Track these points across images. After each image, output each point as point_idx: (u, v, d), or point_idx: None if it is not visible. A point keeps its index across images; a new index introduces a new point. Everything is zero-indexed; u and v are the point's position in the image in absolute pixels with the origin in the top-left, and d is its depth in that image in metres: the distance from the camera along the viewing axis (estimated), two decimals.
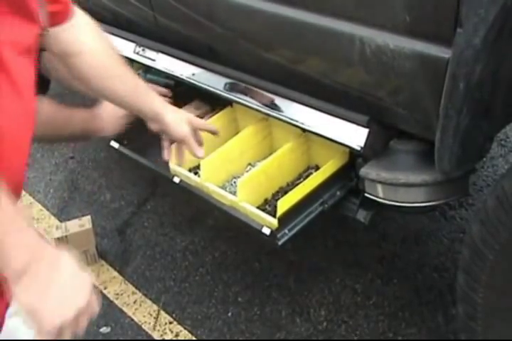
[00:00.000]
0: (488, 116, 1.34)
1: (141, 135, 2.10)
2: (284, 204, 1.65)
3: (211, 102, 2.18)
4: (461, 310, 1.55)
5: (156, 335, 2.17)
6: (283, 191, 1.84)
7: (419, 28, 1.30)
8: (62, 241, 2.37)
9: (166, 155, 1.73)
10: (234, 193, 1.78)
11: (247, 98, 1.87)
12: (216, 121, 2.05)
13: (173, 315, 2.23)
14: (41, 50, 1.21)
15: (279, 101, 1.80)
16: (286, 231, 1.66)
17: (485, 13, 1.11)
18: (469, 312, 1.51)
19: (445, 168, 1.42)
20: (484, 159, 2.61)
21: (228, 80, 1.94)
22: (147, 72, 2.52)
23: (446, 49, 1.24)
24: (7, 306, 1.09)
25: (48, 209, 2.82)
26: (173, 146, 1.72)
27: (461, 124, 1.29)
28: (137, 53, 2.25)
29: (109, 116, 1.85)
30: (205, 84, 2.00)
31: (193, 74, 2.05)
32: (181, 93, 2.26)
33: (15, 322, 1.08)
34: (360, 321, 2.12)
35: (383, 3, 1.33)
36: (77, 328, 0.94)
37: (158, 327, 2.19)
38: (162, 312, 2.25)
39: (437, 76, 1.29)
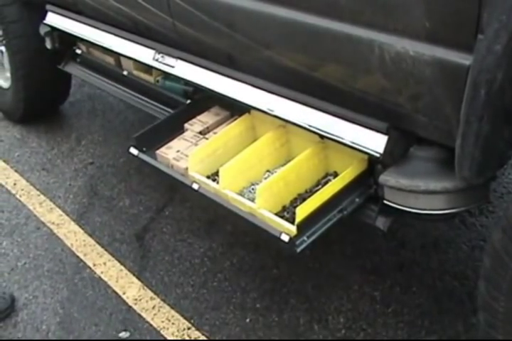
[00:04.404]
0: (509, 123, 1.32)
1: (160, 141, 2.13)
2: (302, 211, 1.64)
3: (230, 108, 2.18)
4: (482, 318, 1.53)
5: None
6: (301, 198, 1.84)
7: (439, 35, 1.29)
8: None
9: None
10: (252, 200, 1.78)
11: (266, 105, 1.87)
12: (234, 128, 2.05)
13: (191, 321, 2.23)
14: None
15: (297, 107, 1.80)
16: (304, 238, 1.66)
17: (507, 19, 1.10)
18: (490, 321, 1.50)
19: (466, 175, 1.41)
20: (505, 166, 2.59)
21: (246, 87, 1.94)
22: (166, 79, 2.54)
23: (467, 55, 1.24)
24: None
25: (67, 215, 2.84)
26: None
27: (482, 131, 1.28)
28: (156, 60, 2.27)
29: None
30: (223, 91, 2.01)
31: (212, 81, 2.05)
32: (200, 100, 2.27)
33: None
34: (379, 329, 2.10)
35: (403, 9, 1.33)
36: None
37: (176, 333, 2.20)
38: (180, 318, 2.25)
39: (458, 82, 1.28)
